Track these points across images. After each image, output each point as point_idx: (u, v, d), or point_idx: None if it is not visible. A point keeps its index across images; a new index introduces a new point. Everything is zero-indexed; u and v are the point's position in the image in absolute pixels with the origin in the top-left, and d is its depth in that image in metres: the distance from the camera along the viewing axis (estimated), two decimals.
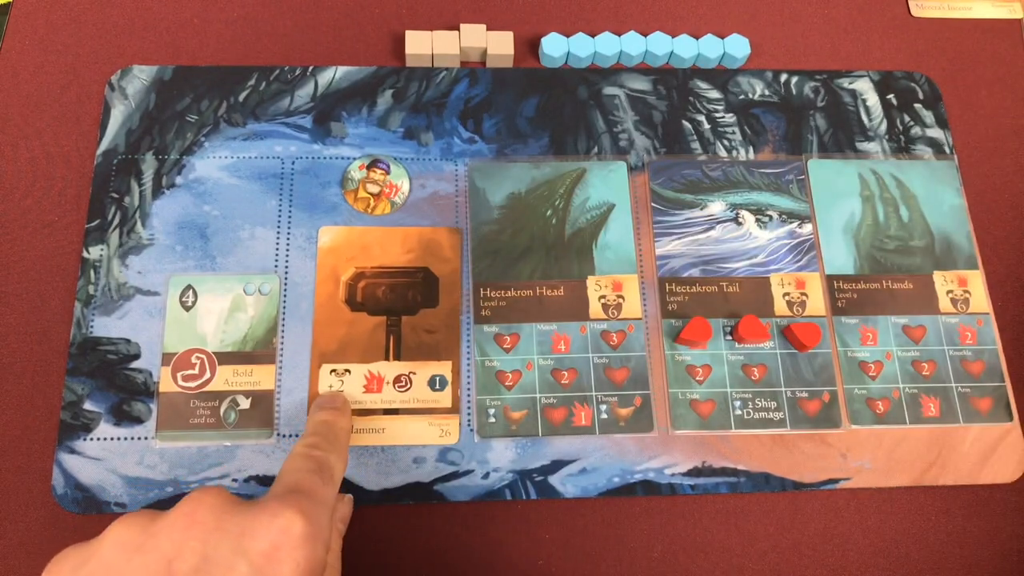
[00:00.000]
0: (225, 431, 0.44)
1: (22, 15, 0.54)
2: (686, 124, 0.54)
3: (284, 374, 0.46)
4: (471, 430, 0.46)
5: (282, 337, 0.47)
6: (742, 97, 0.55)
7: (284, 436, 0.45)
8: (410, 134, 0.52)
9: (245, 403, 0.45)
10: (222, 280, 0.47)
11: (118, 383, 0.45)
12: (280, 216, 0.49)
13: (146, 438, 0.44)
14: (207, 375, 0.45)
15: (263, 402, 0.45)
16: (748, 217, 0.51)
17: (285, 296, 0.47)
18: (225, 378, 0.45)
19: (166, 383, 0.45)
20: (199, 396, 0.45)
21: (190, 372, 0.45)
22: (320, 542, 0.32)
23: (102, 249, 0.48)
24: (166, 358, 0.45)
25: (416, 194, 0.50)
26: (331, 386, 0.46)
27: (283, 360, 0.46)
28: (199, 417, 0.44)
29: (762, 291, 0.49)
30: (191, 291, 0.46)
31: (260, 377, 0.45)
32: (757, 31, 0.58)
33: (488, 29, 0.55)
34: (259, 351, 0.46)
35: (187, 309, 0.46)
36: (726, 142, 0.53)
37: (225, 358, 0.46)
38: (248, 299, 0.47)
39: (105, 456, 0.44)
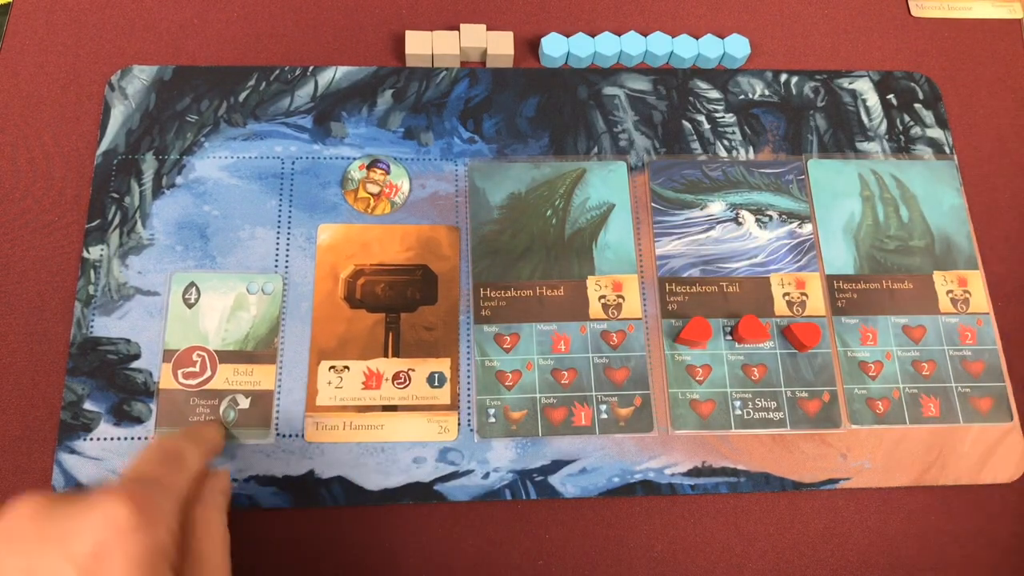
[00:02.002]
0: (224, 429, 0.44)
1: (22, 15, 0.54)
2: (686, 124, 0.54)
3: (284, 372, 0.46)
4: (471, 430, 0.46)
5: (283, 335, 0.47)
6: (742, 97, 0.55)
7: (284, 436, 0.45)
8: (410, 134, 0.52)
9: (245, 402, 0.45)
10: (225, 278, 0.47)
11: (118, 383, 0.45)
12: (280, 216, 0.49)
13: (146, 438, 0.44)
14: (208, 373, 0.45)
15: (262, 402, 0.45)
16: (748, 217, 0.51)
17: (286, 296, 0.47)
18: (226, 377, 0.45)
19: (167, 380, 0.45)
20: (199, 394, 0.45)
21: (191, 370, 0.45)
22: (156, 526, 0.31)
23: (102, 249, 0.48)
24: (167, 355, 0.45)
25: (416, 194, 0.50)
26: (329, 383, 0.46)
27: (283, 357, 0.46)
28: (198, 415, 0.44)
29: (762, 291, 0.49)
30: (194, 288, 0.47)
31: (261, 377, 0.45)
32: (757, 31, 0.58)
33: (488, 29, 0.55)
34: (260, 351, 0.46)
35: (189, 306, 0.46)
36: (726, 142, 0.53)
37: (226, 357, 0.46)
38: (251, 298, 0.47)
39: (105, 456, 0.44)
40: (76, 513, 0.30)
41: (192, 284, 0.47)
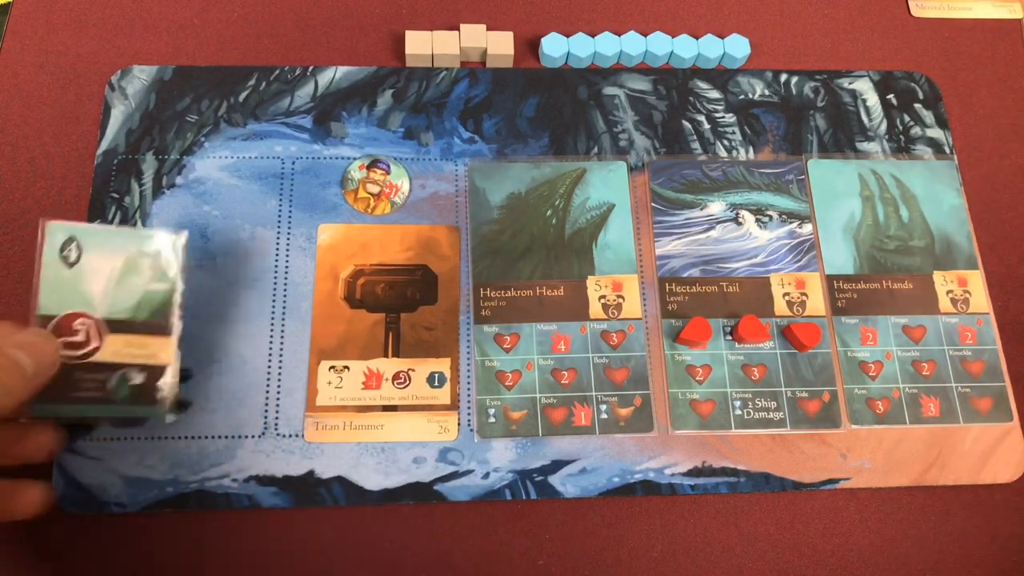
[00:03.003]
0: (113, 406, 0.40)
1: (22, 15, 0.54)
2: (686, 124, 0.54)
3: (284, 372, 0.46)
4: (471, 430, 0.46)
5: (282, 335, 0.47)
6: (742, 97, 0.55)
7: (284, 436, 0.45)
8: (410, 134, 0.52)
9: (139, 377, 0.40)
10: (112, 236, 0.40)
11: None
12: (280, 216, 0.49)
13: (146, 438, 0.44)
14: (93, 343, 0.39)
15: (157, 378, 0.40)
16: (748, 217, 0.51)
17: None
18: (115, 349, 0.40)
19: None
20: (84, 367, 0.39)
21: (74, 339, 0.39)
22: None
23: None
24: (42, 321, 0.39)
25: (416, 194, 0.50)
26: (329, 383, 0.46)
27: (283, 357, 0.46)
28: (83, 390, 0.39)
29: (762, 291, 0.49)
30: (74, 244, 0.40)
31: (156, 350, 0.40)
32: (757, 31, 0.58)
33: (488, 29, 0.55)
34: (156, 320, 0.41)
35: (69, 265, 0.39)
36: (726, 142, 0.53)
37: (117, 326, 0.40)
38: (145, 260, 0.41)
39: (105, 456, 0.44)
40: None
41: (72, 239, 0.40)
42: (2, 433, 0.39)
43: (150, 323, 0.41)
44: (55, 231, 0.39)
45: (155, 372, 0.41)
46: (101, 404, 0.39)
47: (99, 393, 0.39)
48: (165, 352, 0.41)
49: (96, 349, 0.39)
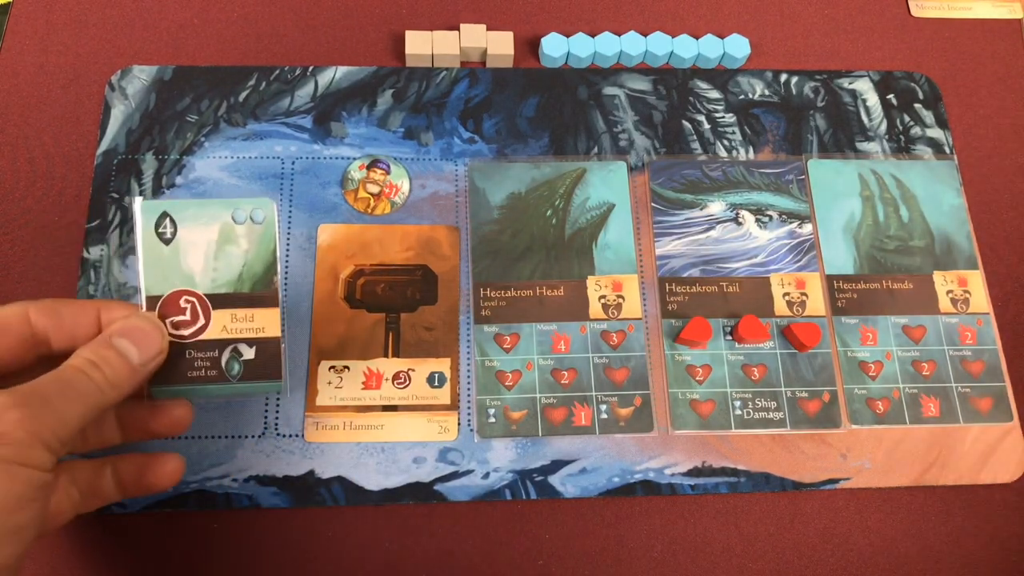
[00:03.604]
0: (230, 384, 0.38)
1: (22, 15, 0.54)
2: (686, 124, 0.54)
3: (283, 371, 0.46)
4: (471, 430, 0.46)
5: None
6: (742, 97, 0.55)
7: (284, 436, 0.45)
8: (410, 134, 0.52)
9: (249, 352, 0.39)
10: (205, 206, 0.39)
11: None
12: (280, 216, 0.49)
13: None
14: (201, 321, 0.38)
15: (269, 350, 0.39)
16: (748, 217, 0.51)
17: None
18: (223, 324, 0.39)
19: None
20: (195, 346, 0.38)
21: (181, 318, 0.38)
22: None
23: (102, 249, 0.48)
24: (150, 302, 0.38)
25: (416, 194, 0.50)
26: (329, 383, 0.46)
27: (282, 357, 0.46)
28: (198, 369, 0.38)
29: (762, 291, 0.49)
30: (168, 220, 0.39)
31: (263, 323, 0.39)
32: (757, 31, 0.58)
33: (488, 29, 0.55)
34: (259, 291, 0.39)
35: (166, 243, 0.38)
36: (726, 142, 0.53)
37: (220, 301, 0.39)
38: (239, 228, 0.39)
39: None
40: None
41: (165, 215, 0.39)
42: (138, 410, 0.38)
43: (252, 295, 0.39)
44: (148, 209, 0.38)
45: (265, 345, 0.39)
46: (217, 383, 0.38)
47: (215, 372, 0.38)
48: (272, 323, 0.39)
49: (205, 326, 0.38)
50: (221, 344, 0.38)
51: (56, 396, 0.31)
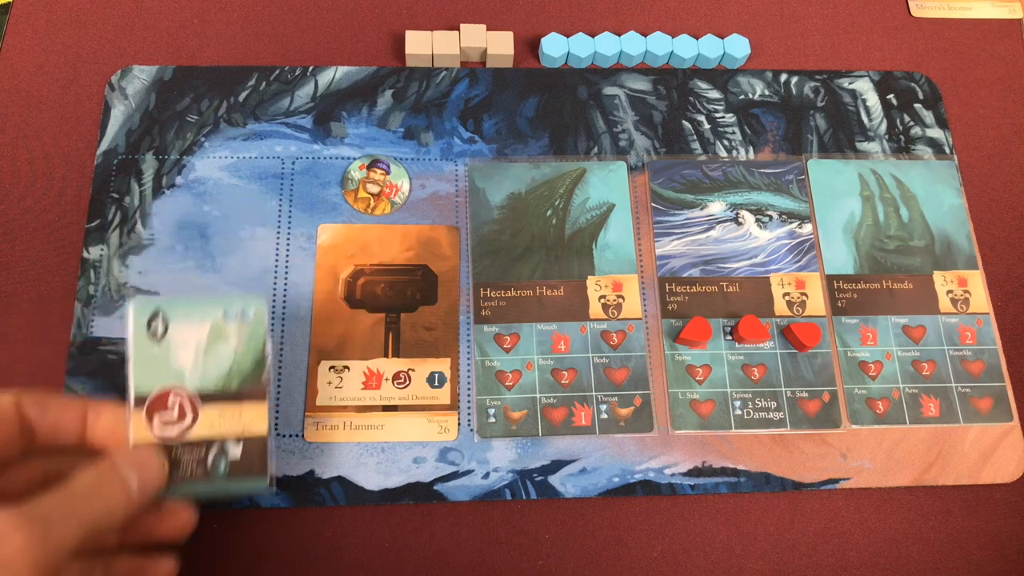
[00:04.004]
0: (215, 483, 0.38)
1: (22, 15, 0.54)
2: (686, 124, 0.54)
3: (284, 372, 0.46)
4: (471, 430, 0.46)
5: (282, 335, 0.47)
6: (742, 97, 0.55)
7: (284, 436, 0.45)
8: (410, 134, 0.52)
9: (236, 450, 0.38)
10: (196, 305, 0.40)
11: (119, 384, 0.45)
12: (280, 216, 0.49)
13: None
14: (188, 419, 0.38)
15: (256, 448, 0.39)
16: (748, 217, 0.51)
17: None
18: (210, 422, 0.38)
19: (140, 431, 0.37)
20: (182, 445, 0.38)
21: (169, 417, 0.38)
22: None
23: (102, 249, 0.48)
24: (138, 402, 0.38)
25: (416, 194, 0.50)
26: (329, 383, 0.46)
27: (283, 357, 0.46)
28: (184, 468, 0.38)
29: (762, 291, 0.49)
30: (160, 318, 0.39)
31: (251, 419, 0.39)
32: (757, 31, 0.58)
33: (488, 29, 0.55)
34: (247, 388, 0.39)
35: (157, 340, 0.39)
36: (726, 142, 0.53)
37: (209, 397, 0.39)
38: (230, 326, 0.39)
39: None
40: None
41: (157, 313, 0.39)
42: (140, 518, 0.37)
43: (241, 391, 0.39)
44: (141, 307, 0.39)
45: (252, 443, 0.39)
46: (203, 481, 0.38)
47: (200, 470, 0.38)
48: (260, 421, 0.39)
49: (192, 424, 0.38)
50: (208, 443, 0.38)
51: (59, 520, 0.31)
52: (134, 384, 0.38)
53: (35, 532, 0.29)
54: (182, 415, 0.38)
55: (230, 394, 0.39)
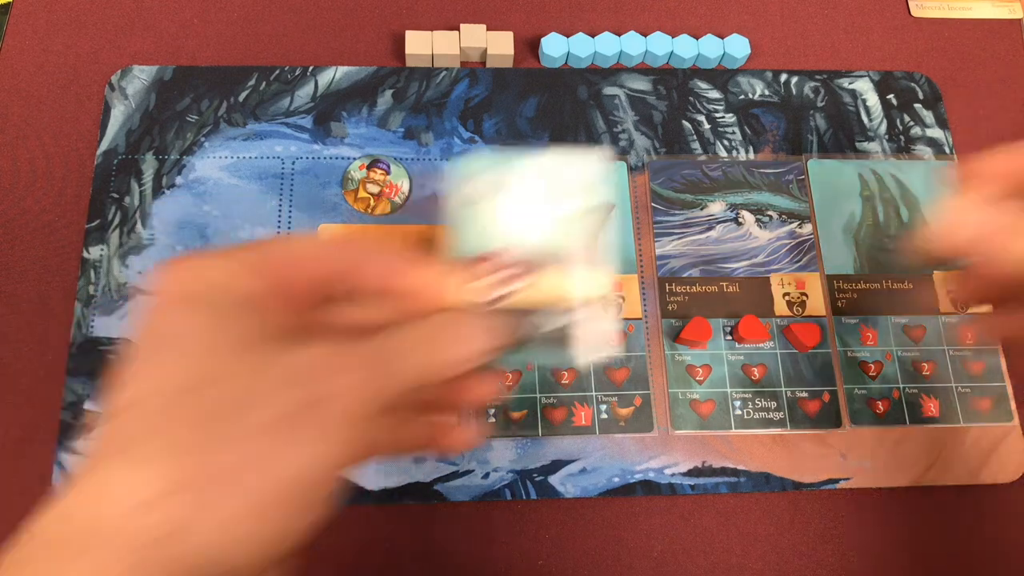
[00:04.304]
0: (557, 351, 0.33)
1: (22, 15, 0.54)
2: (686, 124, 0.54)
3: None
4: None
5: None
6: (742, 97, 0.55)
7: None
8: (410, 134, 0.52)
9: (567, 319, 0.33)
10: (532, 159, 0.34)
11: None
12: (280, 216, 0.49)
13: None
14: (524, 281, 0.33)
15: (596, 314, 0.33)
16: (748, 217, 0.51)
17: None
18: (550, 286, 0.33)
19: (474, 292, 0.32)
20: (521, 310, 0.33)
21: (504, 276, 0.33)
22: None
23: (102, 249, 0.48)
24: (471, 262, 0.34)
25: (416, 194, 0.50)
26: None
27: None
28: (524, 333, 0.33)
29: (762, 291, 0.49)
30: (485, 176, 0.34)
31: (589, 285, 0.33)
32: (757, 31, 0.58)
33: (488, 29, 0.55)
34: (585, 253, 0.33)
35: (482, 199, 0.34)
36: (726, 142, 0.53)
37: (548, 259, 0.33)
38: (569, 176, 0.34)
39: None
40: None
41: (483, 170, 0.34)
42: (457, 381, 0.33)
43: (578, 257, 0.34)
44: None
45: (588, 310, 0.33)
46: (544, 348, 0.33)
47: (544, 336, 0.33)
48: (599, 286, 0.34)
49: (528, 286, 0.33)
50: (545, 308, 0.33)
51: (397, 361, 0.28)
52: (463, 244, 0.34)
53: (370, 373, 0.26)
54: (521, 274, 0.33)
55: (568, 255, 0.34)
